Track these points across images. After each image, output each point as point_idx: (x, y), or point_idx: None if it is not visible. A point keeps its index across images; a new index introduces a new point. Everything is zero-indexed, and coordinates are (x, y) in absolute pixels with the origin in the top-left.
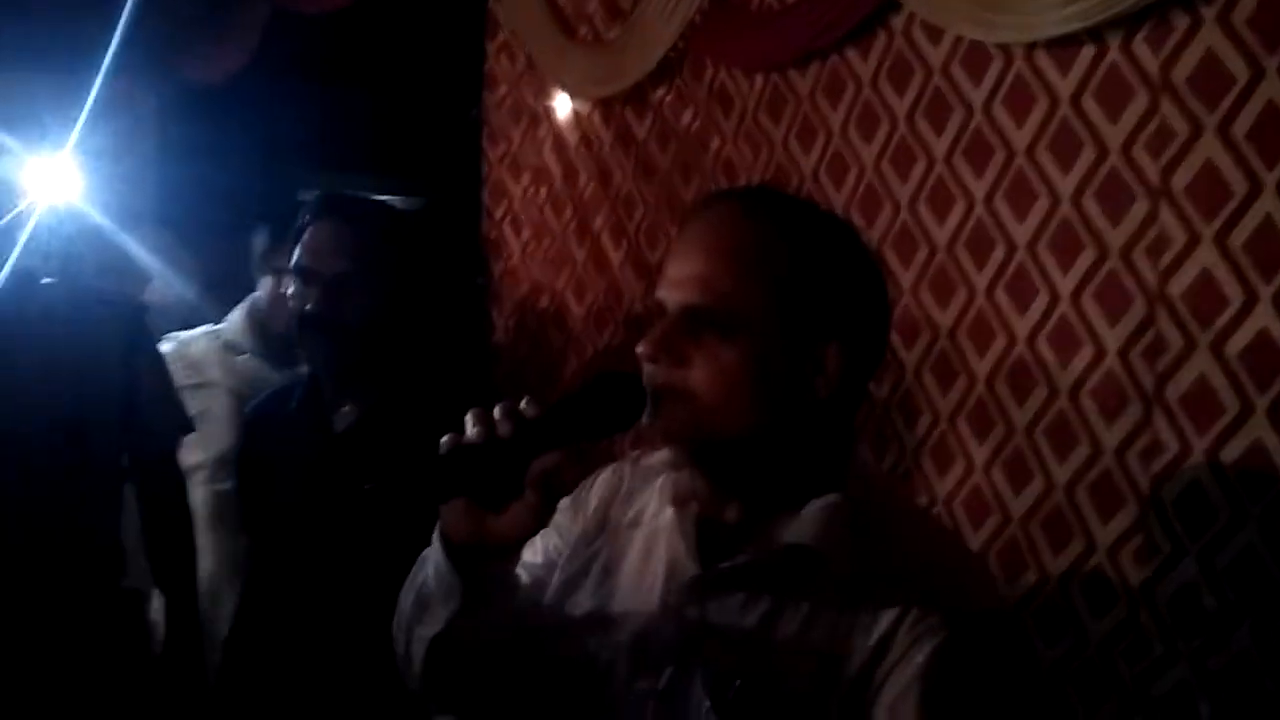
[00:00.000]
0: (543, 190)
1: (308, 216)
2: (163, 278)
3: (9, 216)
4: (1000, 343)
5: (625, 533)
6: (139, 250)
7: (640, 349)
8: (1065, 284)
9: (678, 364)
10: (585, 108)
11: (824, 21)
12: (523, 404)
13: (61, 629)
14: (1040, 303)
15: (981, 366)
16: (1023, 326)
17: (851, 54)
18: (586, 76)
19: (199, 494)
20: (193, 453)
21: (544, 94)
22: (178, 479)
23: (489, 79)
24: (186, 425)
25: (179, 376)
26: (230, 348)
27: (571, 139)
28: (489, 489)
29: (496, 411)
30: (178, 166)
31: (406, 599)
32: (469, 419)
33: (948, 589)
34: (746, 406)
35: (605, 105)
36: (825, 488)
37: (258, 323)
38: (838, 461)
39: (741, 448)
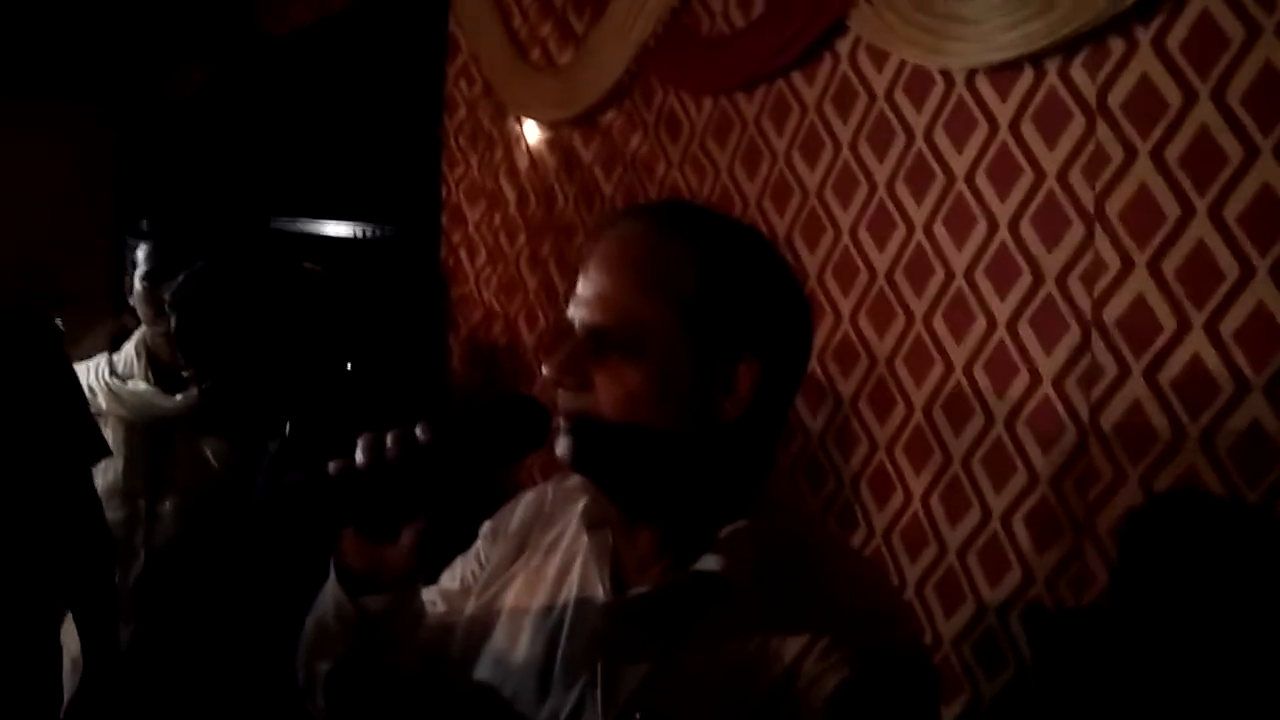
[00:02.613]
0: (497, 215)
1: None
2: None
3: None
4: (938, 371)
5: (543, 557)
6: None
7: (544, 372)
8: (1002, 311)
9: (582, 387)
10: (537, 131)
11: (774, 45)
12: (417, 429)
13: None
14: (977, 330)
15: (919, 395)
16: (960, 354)
17: (798, 78)
18: (540, 100)
19: None
20: None
21: (500, 118)
22: (95, 503)
23: (448, 102)
24: (103, 449)
25: None
26: (119, 376)
27: (522, 163)
28: (377, 515)
29: (389, 437)
30: (140, 190)
31: (308, 630)
32: (360, 443)
33: (857, 623)
34: (652, 429)
35: (554, 128)
36: (739, 513)
37: (146, 349)
38: (753, 485)
39: (648, 472)
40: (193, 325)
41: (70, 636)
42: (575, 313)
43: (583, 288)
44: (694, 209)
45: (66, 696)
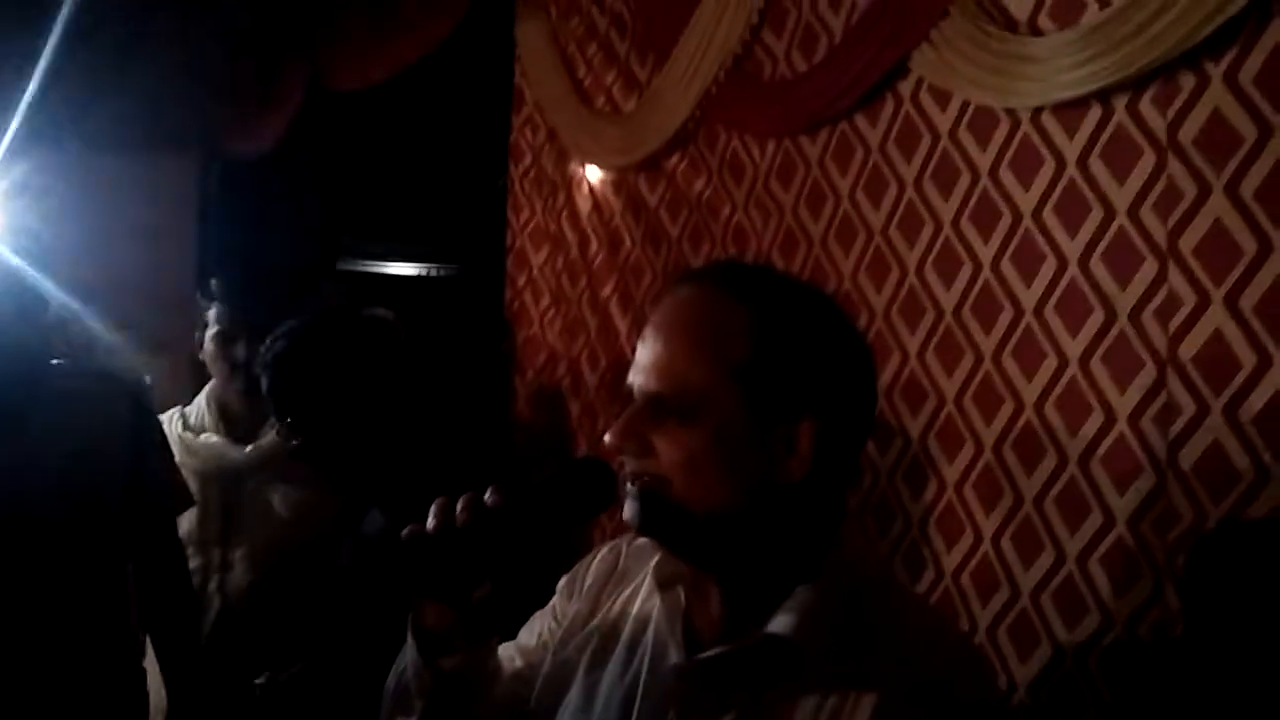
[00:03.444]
0: (559, 259)
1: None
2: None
3: None
4: (1008, 409)
5: (618, 614)
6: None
7: (606, 439)
8: (1073, 348)
9: (643, 452)
10: (600, 177)
11: (836, 89)
12: (486, 494)
13: (70, 701)
14: (1048, 367)
15: (989, 434)
16: (1030, 392)
17: (860, 120)
18: (605, 147)
19: None
20: None
21: (563, 164)
22: (180, 553)
23: (514, 151)
24: (188, 500)
25: None
26: (191, 429)
27: (584, 208)
28: (448, 579)
29: (459, 502)
30: (216, 237)
31: (390, 686)
32: (431, 509)
33: (932, 685)
34: (715, 492)
35: (619, 174)
36: (809, 571)
37: (218, 403)
38: (823, 542)
39: (714, 534)
40: (285, 384)
41: (154, 681)
42: (634, 379)
43: (641, 354)
44: (750, 270)
45: None
